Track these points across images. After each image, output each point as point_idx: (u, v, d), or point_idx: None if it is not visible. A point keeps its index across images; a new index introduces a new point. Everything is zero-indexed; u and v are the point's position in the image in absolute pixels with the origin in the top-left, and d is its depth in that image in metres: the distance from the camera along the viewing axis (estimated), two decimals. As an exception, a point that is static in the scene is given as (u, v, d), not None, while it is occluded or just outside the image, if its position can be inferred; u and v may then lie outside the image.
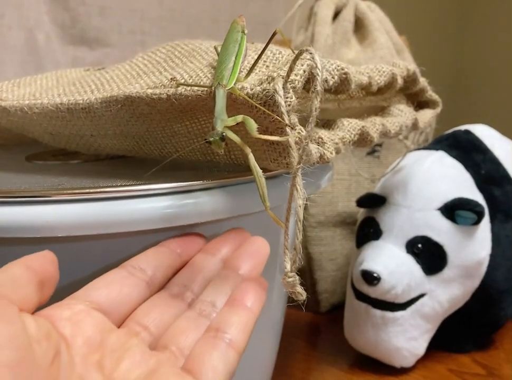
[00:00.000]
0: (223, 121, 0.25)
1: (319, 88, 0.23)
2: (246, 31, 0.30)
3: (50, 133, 0.37)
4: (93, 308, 0.23)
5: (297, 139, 0.25)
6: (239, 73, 0.28)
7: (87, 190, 0.27)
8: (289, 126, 0.25)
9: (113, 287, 0.24)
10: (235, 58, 0.28)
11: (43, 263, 0.22)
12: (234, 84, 0.27)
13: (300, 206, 0.23)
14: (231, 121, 0.25)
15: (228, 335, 0.23)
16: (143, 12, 0.86)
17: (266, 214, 0.31)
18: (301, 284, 0.24)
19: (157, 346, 0.23)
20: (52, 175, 0.34)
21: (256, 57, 0.29)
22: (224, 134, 0.24)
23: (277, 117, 0.25)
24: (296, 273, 0.24)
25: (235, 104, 0.27)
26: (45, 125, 0.35)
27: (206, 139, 0.24)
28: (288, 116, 0.25)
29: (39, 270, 0.22)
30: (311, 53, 0.24)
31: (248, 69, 0.28)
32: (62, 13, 0.79)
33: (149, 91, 0.29)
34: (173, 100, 0.28)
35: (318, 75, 0.24)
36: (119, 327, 0.24)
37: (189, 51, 0.34)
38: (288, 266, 0.24)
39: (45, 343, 0.19)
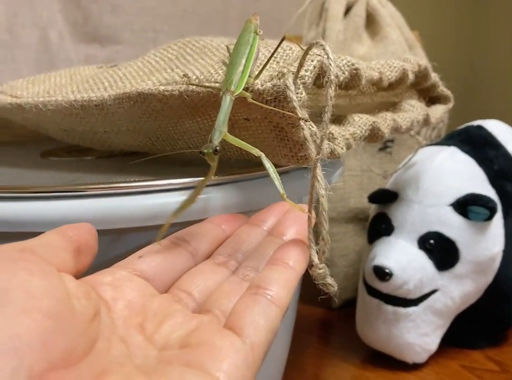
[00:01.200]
0: (221, 134, 0.25)
1: (332, 77, 0.23)
2: (259, 32, 0.30)
3: (64, 130, 0.37)
4: (136, 274, 0.23)
5: (311, 131, 0.25)
6: (249, 76, 0.27)
7: (100, 186, 0.27)
8: (302, 119, 0.25)
9: (156, 256, 0.25)
10: (245, 61, 0.28)
11: (80, 231, 0.22)
12: (243, 88, 0.27)
13: (323, 196, 0.23)
14: (231, 139, 0.26)
15: (269, 292, 0.22)
16: (154, 10, 0.87)
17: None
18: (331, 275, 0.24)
19: (201, 311, 0.23)
20: (66, 171, 0.34)
21: (267, 53, 0.29)
22: (218, 148, 0.24)
23: (289, 113, 0.25)
24: (326, 264, 0.24)
25: (245, 100, 0.27)
26: (59, 122, 0.36)
27: (200, 151, 0.24)
28: (300, 110, 0.25)
29: (75, 238, 0.22)
30: (321, 45, 0.24)
31: (258, 71, 0.28)
32: (74, 11, 0.80)
33: (161, 87, 0.29)
34: (185, 96, 0.28)
35: (330, 64, 0.24)
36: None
37: (200, 48, 0.34)
38: (316, 258, 0.24)
39: (84, 301, 0.19)
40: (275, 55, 0.29)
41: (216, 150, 0.24)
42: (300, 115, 0.25)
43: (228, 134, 0.26)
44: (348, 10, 0.62)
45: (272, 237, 0.27)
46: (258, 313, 0.21)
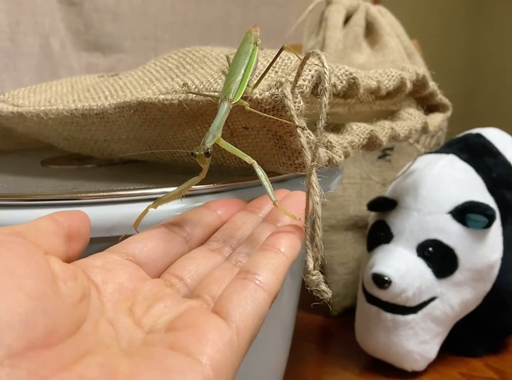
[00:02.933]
0: (214, 138, 0.25)
1: (327, 85, 0.24)
2: (259, 42, 0.31)
3: (65, 138, 0.38)
4: (128, 259, 0.23)
5: (308, 138, 0.25)
6: (247, 86, 0.28)
7: (101, 194, 0.28)
8: (300, 127, 0.25)
9: (149, 241, 0.25)
10: (245, 71, 0.28)
11: (71, 218, 0.22)
12: (242, 97, 0.27)
13: (317, 203, 0.24)
14: (225, 144, 0.26)
15: (258, 277, 0.22)
16: (156, 19, 0.87)
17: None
18: (325, 282, 0.24)
19: (191, 296, 0.23)
20: (67, 179, 0.34)
21: (265, 63, 0.29)
22: (210, 150, 0.24)
23: (287, 121, 0.25)
24: (320, 271, 0.24)
25: (244, 109, 0.27)
26: (60, 130, 0.36)
27: (192, 152, 0.24)
28: (298, 119, 0.25)
29: (66, 224, 0.22)
30: (317, 54, 0.25)
31: (256, 81, 0.28)
32: (76, 20, 0.80)
33: (161, 96, 0.30)
34: (185, 105, 0.29)
35: (325, 73, 0.24)
36: None
37: (200, 58, 0.35)
38: (311, 264, 0.24)
39: (71, 283, 0.19)
40: (273, 65, 0.30)
41: (207, 153, 0.24)
42: (297, 123, 0.25)
43: (222, 139, 0.26)
44: (347, 19, 0.63)
45: (266, 224, 0.27)
46: (245, 297, 0.21)
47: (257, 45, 0.30)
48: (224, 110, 0.26)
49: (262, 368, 0.40)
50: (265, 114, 0.26)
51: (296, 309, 0.43)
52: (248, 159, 0.25)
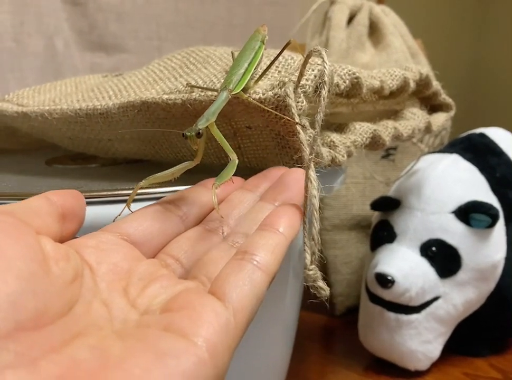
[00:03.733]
0: (207, 121, 0.25)
1: (326, 79, 0.24)
2: (266, 39, 0.31)
3: (69, 138, 0.38)
4: (122, 239, 0.23)
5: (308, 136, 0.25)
6: (250, 80, 0.28)
7: (105, 193, 0.28)
8: (300, 124, 0.25)
9: (144, 220, 0.24)
10: (248, 65, 0.28)
11: (65, 197, 0.22)
12: (243, 90, 0.27)
13: (315, 196, 0.24)
14: (215, 132, 0.26)
15: (256, 257, 0.21)
16: (159, 19, 0.87)
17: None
18: (324, 279, 0.24)
19: (187, 277, 0.23)
20: (71, 178, 0.35)
21: (268, 63, 0.29)
22: (201, 131, 0.24)
23: (288, 118, 0.26)
24: (318, 267, 0.23)
25: (247, 108, 0.27)
26: (64, 130, 0.36)
27: (183, 133, 0.24)
28: (299, 118, 0.25)
29: (60, 203, 0.21)
30: (318, 50, 0.25)
31: (259, 75, 0.28)
32: (80, 20, 0.80)
33: (165, 96, 0.30)
34: (188, 105, 0.29)
35: (325, 68, 0.24)
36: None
37: (203, 58, 0.35)
38: (308, 259, 0.23)
39: (63, 263, 0.18)
40: (276, 65, 0.30)
41: (198, 133, 0.24)
42: (297, 121, 0.25)
43: (215, 127, 0.26)
44: (351, 19, 0.63)
45: (264, 203, 0.26)
46: (243, 278, 0.20)
47: (264, 43, 0.30)
48: (222, 98, 0.26)
49: (265, 367, 0.40)
50: (265, 107, 0.26)
51: (299, 308, 0.43)
52: (233, 156, 0.25)
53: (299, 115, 0.25)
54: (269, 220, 0.24)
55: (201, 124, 0.25)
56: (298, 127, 0.25)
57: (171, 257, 0.23)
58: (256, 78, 0.28)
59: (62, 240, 0.21)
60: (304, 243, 0.24)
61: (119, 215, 0.25)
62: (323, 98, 0.24)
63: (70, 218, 0.22)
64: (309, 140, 0.26)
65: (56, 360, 0.15)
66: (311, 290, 0.23)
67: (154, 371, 0.16)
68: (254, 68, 0.29)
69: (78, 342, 0.17)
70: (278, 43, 0.31)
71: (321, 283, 0.23)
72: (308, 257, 0.23)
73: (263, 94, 0.27)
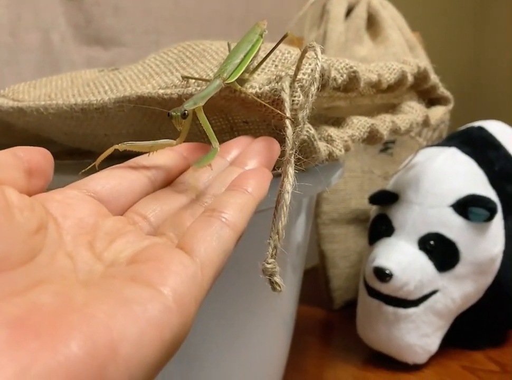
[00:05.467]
0: (195, 104, 0.25)
1: (316, 75, 0.24)
2: (265, 33, 0.30)
3: (65, 133, 0.38)
4: (89, 195, 0.22)
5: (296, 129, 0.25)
6: (245, 72, 0.28)
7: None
8: (289, 119, 0.25)
9: (112, 178, 0.24)
10: (244, 56, 0.28)
11: (32, 154, 0.22)
12: (239, 82, 0.27)
13: (288, 192, 0.23)
14: (201, 117, 0.25)
15: (224, 215, 0.21)
16: (157, 12, 0.87)
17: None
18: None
19: (155, 234, 0.22)
20: (67, 174, 0.34)
21: (264, 56, 0.29)
22: (186, 112, 0.24)
23: (279, 112, 0.25)
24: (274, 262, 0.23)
25: (244, 103, 0.27)
26: (60, 125, 0.36)
27: (168, 113, 0.24)
28: (297, 114, 0.25)
29: (26, 158, 0.21)
30: (313, 46, 0.25)
31: (254, 68, 0.28)
32: (77, 14, 0.80)
33: (161, 91, 0.30)
34: (184, 99, 0.29)
35: (317, 64, 0.24)
36: None
37: (199, 52, 0.34)
38: (269, 252, 0.23)
39: (27, 213, 0.18)
40: (273, 59, 0.29)
41: (184, 114, 0.24)
42: (287, 115, 0.25)
43: (202, 112, 0.25)
44: (349, 12, 0.63)
45: (234, 167, 0.26)
46: (211, 233, 0.20)
47: (262, 37, 0.30)
48: (214, 85, 0.26)
49: (264, 361, 0.40)
50: (258, 99, 0.26)
51: (297, 302, 0.43)
52: (215, 144, 0.25)
53: (295, 110, 0.25)
54: (239, 181, 0.24)
55: (187, 106, 0.25)
56: (287, 121, 0.25)
57: (139, 215, 0.23)
58: (251, 71, 0.28)
59: (29, 195, 0.21)
60: (270, 236, 0.24)
61: (85, 170, 0.25)
62: (311, 95, 0.24)
63: (37, 174, 0.21)
64: (309, 137, 0.26)
65: (17, 303, 0.15)
66: (267, 283, 0.23)
67: (119, 316, 0.16)
68: (249, 60, 0.28)
69: (41, 288, 0.16)
70: (277, 35, 0.30)
71: (278, 279, 0.22)
72: (270, 250, 0.23)
73: (260, 89, 0.27)
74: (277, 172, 0.30)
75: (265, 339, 0.39)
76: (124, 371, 0.15)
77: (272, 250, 0.23)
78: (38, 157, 0.22)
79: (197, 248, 0.20)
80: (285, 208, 0.23)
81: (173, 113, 0.24)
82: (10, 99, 0.39)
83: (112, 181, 0.24)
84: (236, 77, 0.27)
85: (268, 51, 0.28)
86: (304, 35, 0.65)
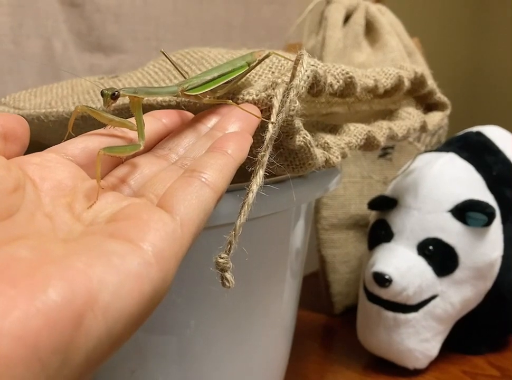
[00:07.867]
0: (135, 93, 0.25)
1: (297, 82, 0.25)
2: (253, 65, 0.29)
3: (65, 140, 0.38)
4: (68, 159, 0.23)
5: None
6: (210, 90, 0.28)
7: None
8: (272, 123, 0.25)
9: (91, 142, 0.24)
10: (218, 76, 0.28)
11: (7, 119, 0.22)
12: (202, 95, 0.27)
13: (252, 192, 0.24)
14: (136, 110, 0.25)
15: (204, 175, 0.22)
16: (157, 19, 0.87)
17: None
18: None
19: (135, 196, 0.23)
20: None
21: (244, 72, 0.29)
22: (117, 93, 0.24)
23: (263, 119, 0.26)
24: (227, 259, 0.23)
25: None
26: (61, 132, 0.36)
27: (101, 90, 0.24)
28: (293, 120, 0.25)
29: (1, 123, 0.21)
30: (302, 55, 0.25)
31: (221, 90, 0.28)
32: (78, 21, 0.81)
33: (159, 98, 0.30)
34: (182, 107, 0.29)
35: (300, 71, 0.25)
36: None
37: (198, 59, 0.35)
38: (224, 247, 0.23)
39: (3, 172, 0.18)
40: (270, 65, 0.30)
41: (114, 94, 0.24)
42: (272, 119, 0.25)
43: (140, 107, 0.25)
44: (347, 18, 0.63)
45: (214, 131, 0.26)
46: (191, 192, 0.21)
47: (249, 66, 0.29)
48: (168, 89, 0.26)
49: (264, 366, 0.40)
50: (217, 100, 0.27)
51: (297, 307, 0.43)
52: (141, 142, 0.24)
53: (292, 116, 0.25)
54: (219, 143, 0.24)
55: (124, 90, 0.24)
56: (270, 125, 0.25)
57: (118, 179, 0.23)
58: (219, 92, 0.28)
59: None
60: (233, 231, 0.24)
61: (65, 139, 0.25)
62: (289, 100, 0.24)
63: (13, 140, 0.22)
64: (305, 144, 0.26)
65: None
66: (217, 278, 0.23)
67: (98, 266, 0.16)
68: (221, 83, 0.28)
69: (18, 242, 0.16)
70: (277, 41, 0.31)
71: (229, 275, 0.23)
72: (225, 245, 0.23)
73: (256, 95, 0.27)
74: (277, 178, 0.31)
75: (265, 344, 0.39)
76: (101, 320, 0.15)
77: (226, 246, 0.23)
78: (14, 122, 0.22)
79: (177, 206, 0.20)
80: (246, 206, 0.24)
81: (105, 91, 0.24)
82: (11, 107, 0.39)
83: (91, 145, 0.24)
84: (198, 93, 0.27)
85: (248, 68, 0.29)
86: (303, 42, 0.66)
